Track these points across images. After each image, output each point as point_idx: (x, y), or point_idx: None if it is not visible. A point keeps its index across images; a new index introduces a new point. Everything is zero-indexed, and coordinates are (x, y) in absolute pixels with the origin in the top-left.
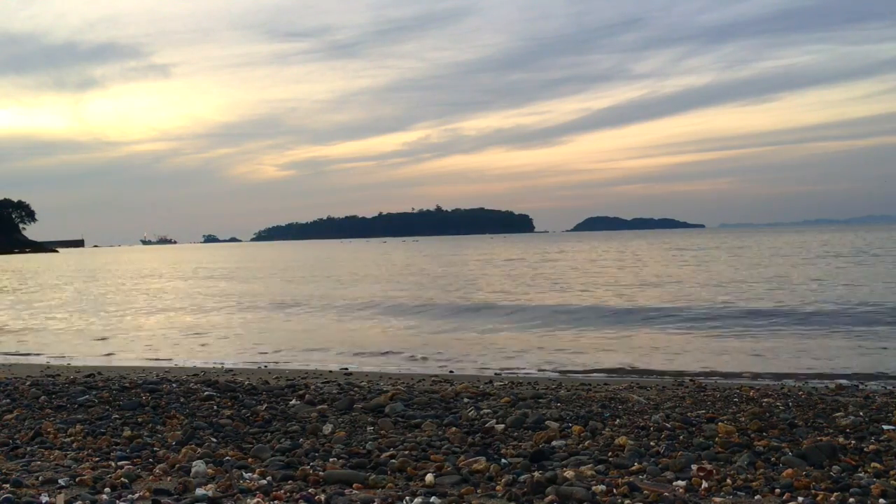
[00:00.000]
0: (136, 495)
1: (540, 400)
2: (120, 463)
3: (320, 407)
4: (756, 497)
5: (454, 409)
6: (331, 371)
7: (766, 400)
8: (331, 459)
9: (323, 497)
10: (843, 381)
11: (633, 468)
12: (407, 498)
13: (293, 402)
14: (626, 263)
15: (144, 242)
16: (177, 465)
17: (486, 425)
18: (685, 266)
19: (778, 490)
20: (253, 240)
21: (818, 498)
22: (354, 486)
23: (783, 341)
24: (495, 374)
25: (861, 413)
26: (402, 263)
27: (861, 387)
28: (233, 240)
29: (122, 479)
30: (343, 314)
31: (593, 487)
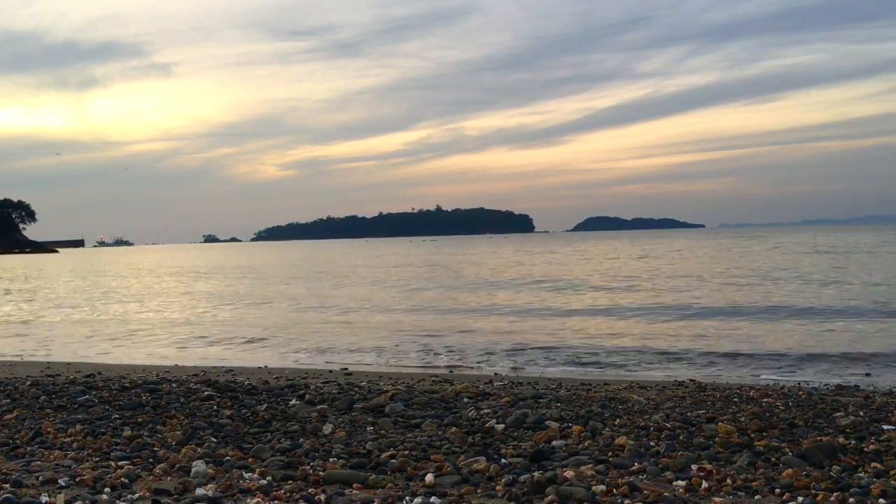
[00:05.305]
0: (136, 495)
1: (540, 400)
2: (120, 463)
3: (320, 407)
4: (756, 497)
5: (454, 409)
6: (331, 371)
7: (766, 400)
8: (331, 459)
9: (323, 497)
10: (843, 381)
11: (633, 468)
12: (407, 498)
13: (293, 402)
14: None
15: (101, 244)
16: (177, 465)
17: (486, 425)
18: None
19: (778, 490)
20: (253, 240)
21: (818, 498)
22: (354, 486)
23: None
24: (495, 374)
25: (861, 413)
26: None
27: (861, 387)
28: (233, 240)
29: (122, 479)
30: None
31: (593, 487)
